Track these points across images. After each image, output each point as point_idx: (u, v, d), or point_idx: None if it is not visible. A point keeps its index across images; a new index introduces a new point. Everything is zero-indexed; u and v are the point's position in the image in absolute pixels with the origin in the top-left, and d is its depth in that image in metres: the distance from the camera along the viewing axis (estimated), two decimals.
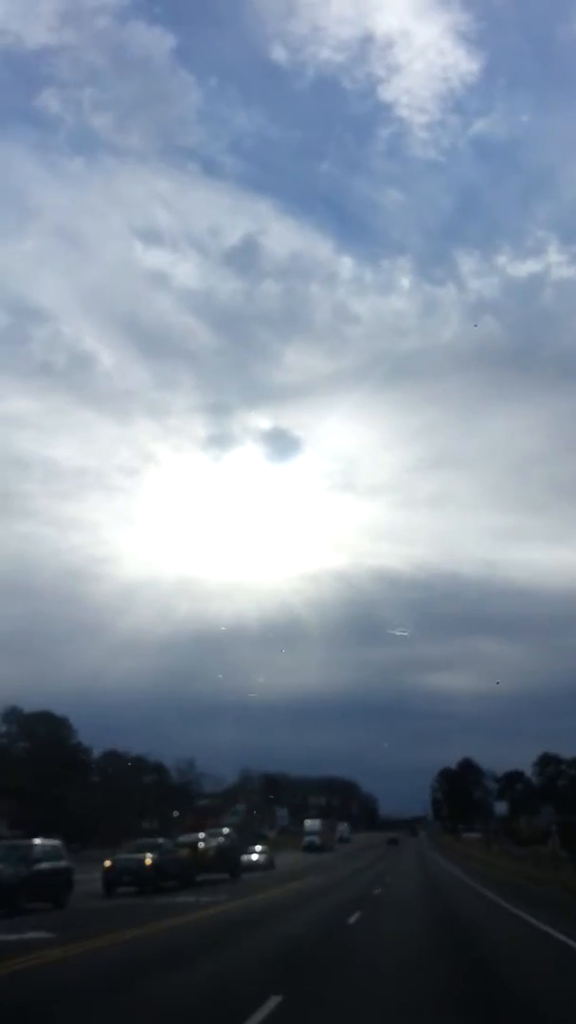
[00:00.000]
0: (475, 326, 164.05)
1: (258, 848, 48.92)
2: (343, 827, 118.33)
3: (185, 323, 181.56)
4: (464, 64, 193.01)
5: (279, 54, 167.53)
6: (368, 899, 23.47)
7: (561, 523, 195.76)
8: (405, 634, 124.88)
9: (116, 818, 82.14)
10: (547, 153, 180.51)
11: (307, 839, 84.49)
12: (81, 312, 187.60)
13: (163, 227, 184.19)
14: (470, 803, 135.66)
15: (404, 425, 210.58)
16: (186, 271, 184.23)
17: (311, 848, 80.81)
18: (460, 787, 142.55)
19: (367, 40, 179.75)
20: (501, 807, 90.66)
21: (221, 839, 37.83)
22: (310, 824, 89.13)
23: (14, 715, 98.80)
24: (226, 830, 42.38)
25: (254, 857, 45.92)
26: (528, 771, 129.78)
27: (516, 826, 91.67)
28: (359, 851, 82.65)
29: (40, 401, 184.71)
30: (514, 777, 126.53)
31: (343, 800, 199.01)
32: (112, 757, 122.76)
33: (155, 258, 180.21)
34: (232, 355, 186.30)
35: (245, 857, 44.44)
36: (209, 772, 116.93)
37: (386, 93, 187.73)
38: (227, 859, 37.13)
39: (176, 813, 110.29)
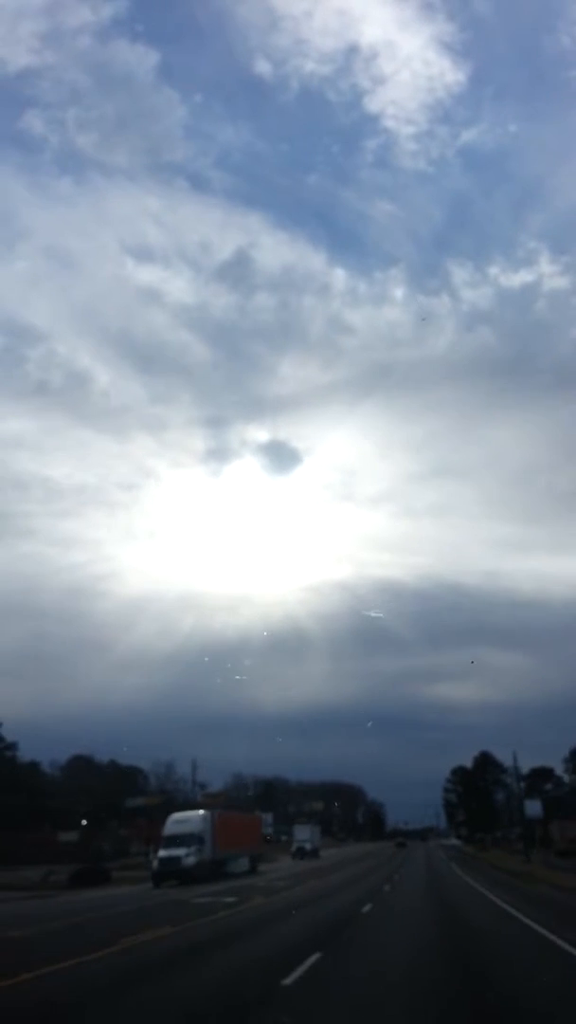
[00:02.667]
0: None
1: None
2: (306, 833, 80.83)
3: (179, 338, 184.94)
4: (450, 74, 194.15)
5: (263, 68, 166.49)
6: None
7: (564, 532, 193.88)
8: (380, 615, 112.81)
9: (35, 830, 64.20)
10: (537, 162, 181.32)
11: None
12: (75, 331, 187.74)
13: (154, 243, 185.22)
14: (490, 805, 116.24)
15: (402, 434, 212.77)
16: (178, 287, 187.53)
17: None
18: (478, 787, 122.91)
19: (351, 51, 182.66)
20: (535, 807, 71.44)
21: None
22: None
23: None
24: None
25: None
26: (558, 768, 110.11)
27: (548, 833, 73.14)
28: (318, 873, 46.93)
29: (37, 420, 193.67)
30: (542, 774, 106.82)
31: (346, 806, 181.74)
32: (77, 762, 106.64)
33: (147, 275, 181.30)
34: (227, 368, 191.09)
35: None
36: (198, 778, 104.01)
37: (372, 104, 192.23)
38: None
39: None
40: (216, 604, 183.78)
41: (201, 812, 46.36)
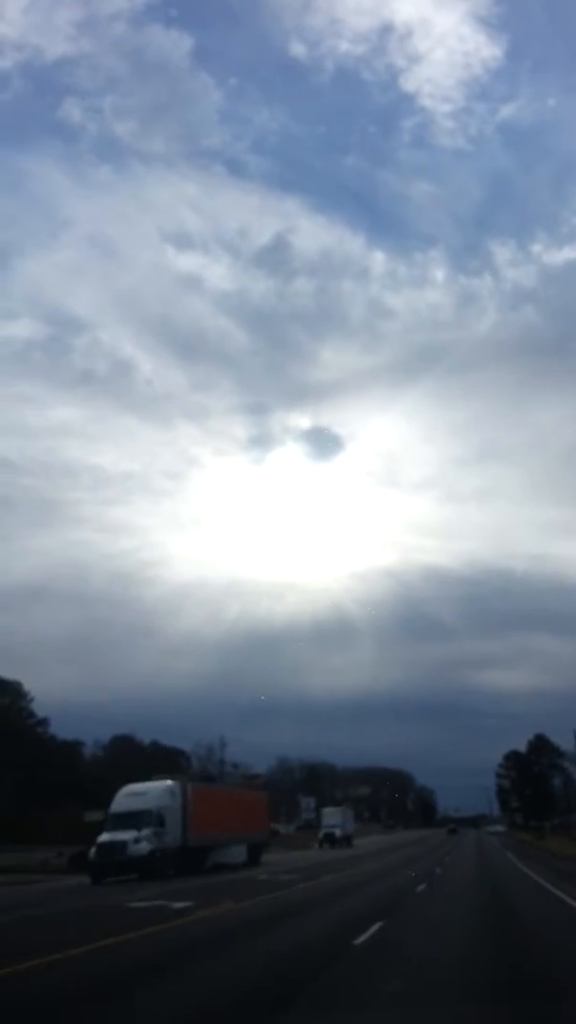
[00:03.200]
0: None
1: None
2: (336, 818, 70.60)
3: (220, 325, 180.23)
4: (486, 49, 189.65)
5: (297, 49, 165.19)
6: None
7: None
8: None
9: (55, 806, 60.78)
10: None
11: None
12: (118, 319, 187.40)
13: (193, 230, 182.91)
14: (546, 791, 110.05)
15: (445, 418, 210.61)
16: (218, 273, 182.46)
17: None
18: (532, 772, 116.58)
19: (386, 30, 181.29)
20: None
21: None
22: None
23: None
24: None
25: None
26: None
27: None
28: (340, 864, 37.45)
29: (83, 409, 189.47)
30: None
31: (395, 793, 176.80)
32: (118, 742, 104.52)
33: (186, 261, 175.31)
34: (268, 355, 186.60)
35: None
36: (242, 762, 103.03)
37: (408, 83, 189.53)
38: None
39: None
40: (262, 591, 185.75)
41: (166, 783, 34.81)
